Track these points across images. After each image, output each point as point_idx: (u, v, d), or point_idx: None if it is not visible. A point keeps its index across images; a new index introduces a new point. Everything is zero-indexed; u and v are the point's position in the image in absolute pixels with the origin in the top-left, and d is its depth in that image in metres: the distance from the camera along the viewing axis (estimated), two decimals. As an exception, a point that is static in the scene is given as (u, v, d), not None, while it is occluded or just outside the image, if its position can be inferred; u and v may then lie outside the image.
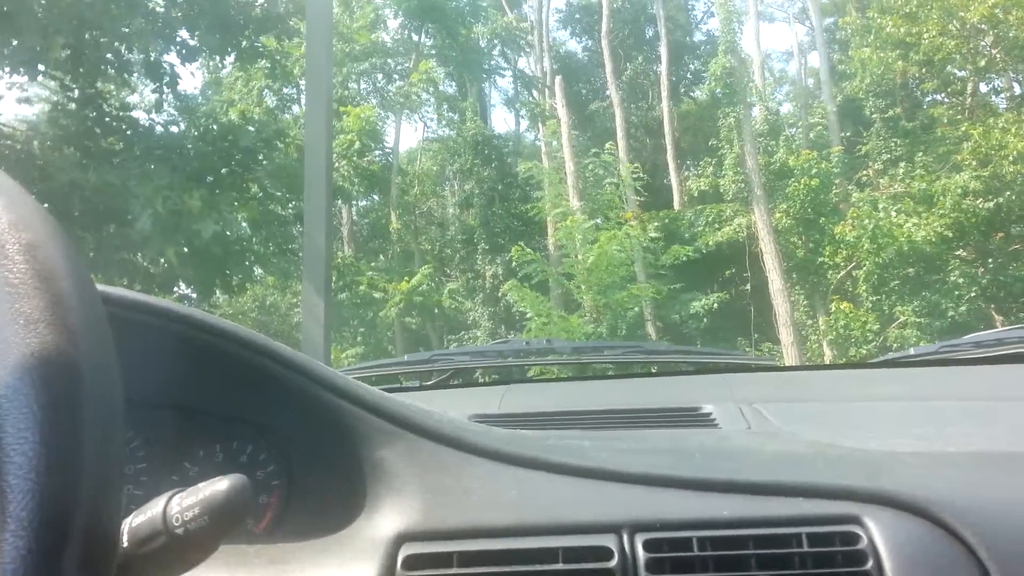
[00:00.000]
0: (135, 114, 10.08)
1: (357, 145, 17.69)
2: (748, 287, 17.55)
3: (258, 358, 0.71)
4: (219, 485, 0.51)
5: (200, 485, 0.52)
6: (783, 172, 17.37)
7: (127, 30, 8.46)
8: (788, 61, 27.03)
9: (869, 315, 14.91)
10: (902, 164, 16.54)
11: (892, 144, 17.27)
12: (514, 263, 14.00)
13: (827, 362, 14.81)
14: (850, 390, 1.40)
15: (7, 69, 8.30)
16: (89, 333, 0.41)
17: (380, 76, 21.99)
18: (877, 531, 0.62)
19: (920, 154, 16.18)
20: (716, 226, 18.07)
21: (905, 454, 0.75)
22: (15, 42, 7.73)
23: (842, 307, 15.01)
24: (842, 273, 16.07)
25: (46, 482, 0.36)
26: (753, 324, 16.87)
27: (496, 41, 23.26)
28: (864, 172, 17.58)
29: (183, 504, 0.51)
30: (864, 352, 14.06)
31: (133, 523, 0.51)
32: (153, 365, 0.65)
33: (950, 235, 14.41)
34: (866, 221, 14.85)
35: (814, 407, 1.18)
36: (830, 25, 21.56)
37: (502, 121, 44.94)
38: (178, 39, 9.26)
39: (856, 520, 0.63)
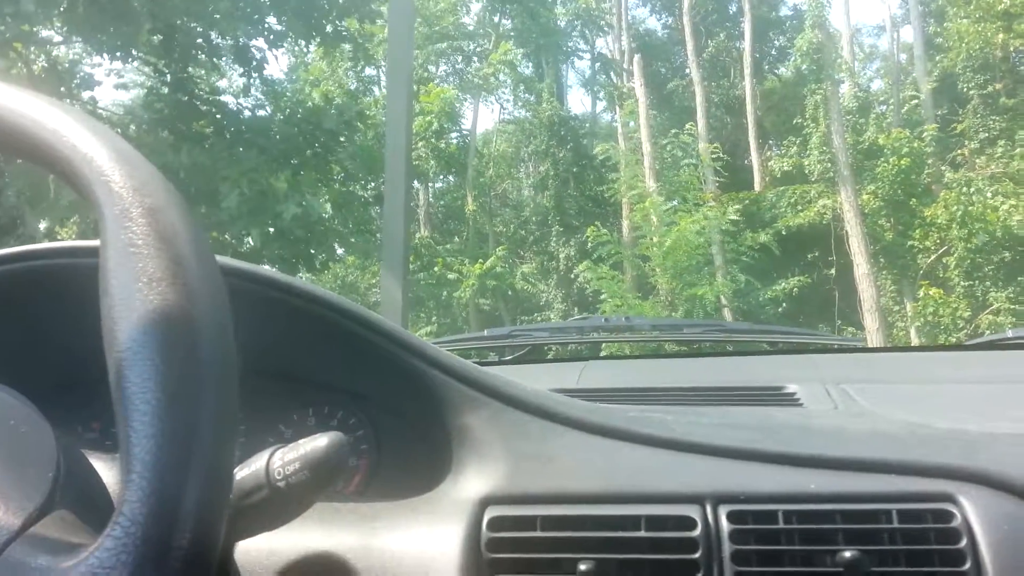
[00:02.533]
0: (224, 98, 10.44)
1: (435, 126, 17.86)
2: (832, 271, 16.99)
3: (352, 325, 0.73)
4: (319, 441, 0.54)
5: (301, 441, 0.54)
6: (872, 152, 16.70)
7: (216, 16, 8.74)
8: (879, 35, 25.86)
9: (960, 301, 14.27)
10: (1001, 143, 15.69)
11: (990, 122, 16.39)
12: (590, 244, 13.93)
13: (915, 349, 14.22)
14: (943, 372, 1.35)
15: (105, 55, 8.71)
16: (206, 291, 0.43)
17: (459, 58, 22.11)
18: (972, 510, 0.60)
19: (1021, 132, 15.31)
20: (799, 208, 17.54)
21: (1003, 435, 0.72)
22: (112, 29, 8.09)
23: (931, 293, 14.40)
24: (932, 258, 15.39)
25: (168, 429, 0.39)
26: (837, 309, 16.35)
27: (576, 22, 23.05)
28: (960, 152, 16.75)
29: (285, 459, 0.53)
30: (954, 340, 13.47)
31: (238, 476, 0.54)
32: (254, 331, 0.68)
33: (1050, 217, 13.66)
34: (954, 208, 14.17)
35: (905, 389, 1.15)
36: (925, -4, 20.53)
37: (578, 102, 44.61)
38: (265, 24, 9.53)
39: (950, 498, 0.61)
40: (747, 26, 20.43)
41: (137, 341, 0.40)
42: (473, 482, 0.68)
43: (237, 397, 0.44)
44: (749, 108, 19.78)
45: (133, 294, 0.41)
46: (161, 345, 0.40)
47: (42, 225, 8.32)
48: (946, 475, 0.63)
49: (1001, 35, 15.78)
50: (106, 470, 0.53)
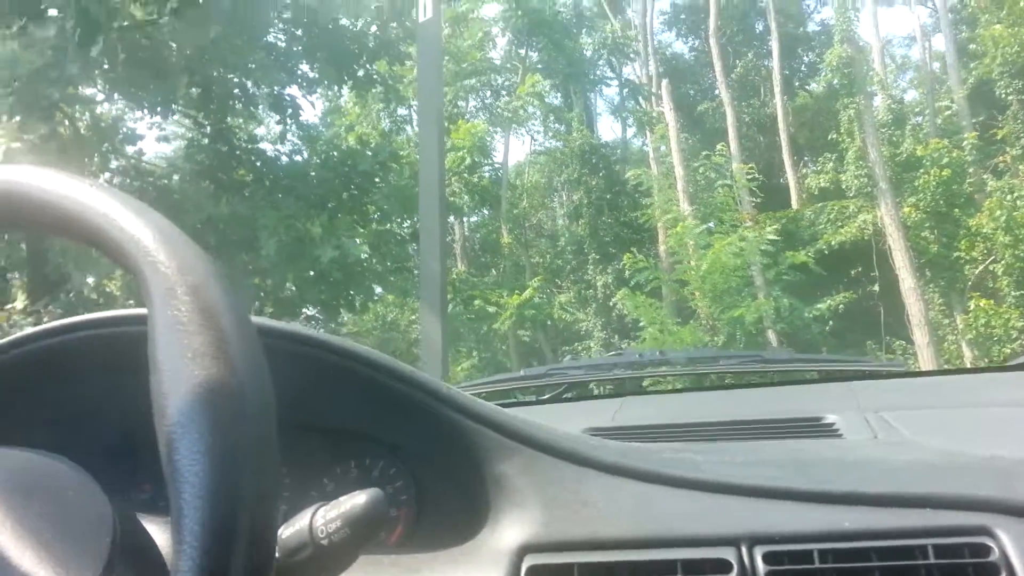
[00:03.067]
0: (262, 146, 10.68)
1: (468, 161, 18.03)
2: (876, 287, 16.64)
3: (386, 379, 0.75)
4: (358, 499, 0.55)
5: (341, 499, 0.56)
6: (911, 163, 16.43)
7: (252, 66, 9.00)
8: (911, 46, 25.56)
9: (1012, 311, 13.86)
10: (1044, 148, 15.35)
11: (1031, 127, 16.04)
12: (626, 271, 13.86)
13: (968, 363, 13.85)
14: (986, 395, 1.32)
15: (145, 110, 9.00)
16: (248, 364, 0.46)
17: (488, 92, 22.36)
18: (1010, 543, 0.59)
19: (1063, 135, 14.97)
20: (839, 224, 17.27)
21: None
22: (152, 85, 8.37)
23: (982, 304, 14.02)
24: (980, 268, 15.01)
25: (216, 500, 0.41)
26: (884, 325, 15.98)
27: (602, 51, 23.21)
28: (1001, 159, 16.38)
29: (327, 517, 0.55)
30: (1008, 351, 13.08)
31: (283, 535, 0.56)
32: (294, 389, 0.71)
33: (1101, 222, 13.25)
34: (997, 212, 13.83)
35: (946, 414, 1.13)
36: (955, 4, 20.26)
37: (608, 129, 44.65)
38: (299, 72, 9.78)
39: (987, 531, 0.61)
40: (775, 44, 20.36)
41: (186, 415, 0.43)
42: (510, 531, 0.69)
43: (279, 465, 0.46)
44: (781, 125, 19.63)
45: (180, 369, 0.44)
46: (208, 419, 0.43)
47: (90, 280, 8.55)
48: (982, 507, 0.62)
49: (1036, 38, 15.50)
50: (159, 532, 0.55)
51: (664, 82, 19.99)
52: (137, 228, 0.50)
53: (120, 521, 0.50)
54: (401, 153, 12.05)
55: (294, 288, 9.01)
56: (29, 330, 0.75)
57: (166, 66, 8.19)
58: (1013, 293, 14.16)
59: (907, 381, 1.55)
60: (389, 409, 0.79)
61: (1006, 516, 0.62)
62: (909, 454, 0.86)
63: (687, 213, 15.10)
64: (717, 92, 21.45)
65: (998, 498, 0.63)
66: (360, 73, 10.09)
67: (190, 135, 10.14)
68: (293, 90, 9.91)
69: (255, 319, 0.72)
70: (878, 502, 0.65)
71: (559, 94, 22.70)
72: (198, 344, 0.45)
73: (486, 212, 22.18)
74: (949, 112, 18.86)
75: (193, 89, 8.77)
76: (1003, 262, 14.22)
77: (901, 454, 0.87)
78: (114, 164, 9.54)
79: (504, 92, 22.06)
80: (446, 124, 15.47)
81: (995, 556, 0.59)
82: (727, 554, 0.63)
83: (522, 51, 22.15)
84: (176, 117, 9.96)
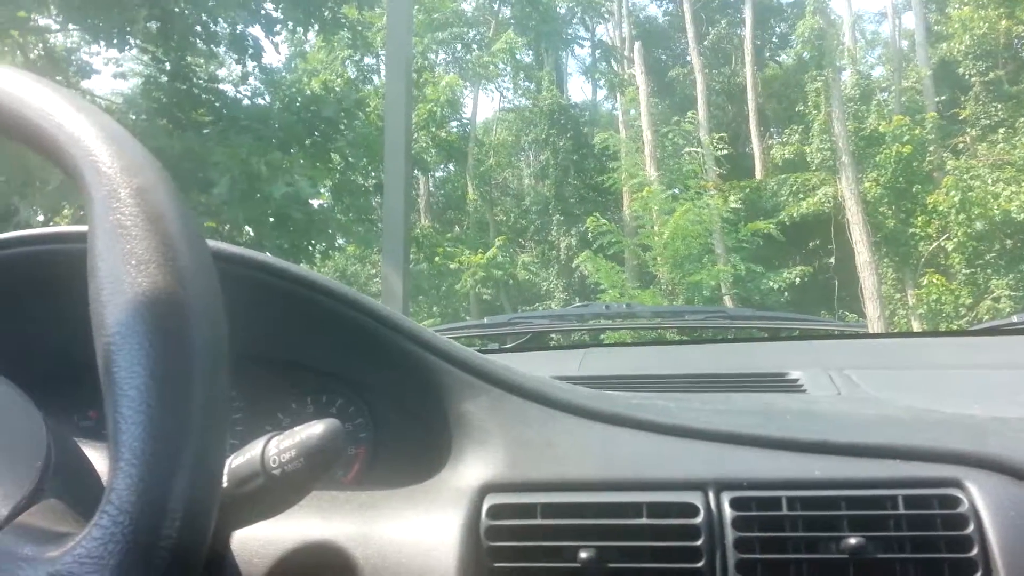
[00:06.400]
0: (222, 87, 10.36)
1: (438, 115, 17.80)
2: (833, 260, 16.96)
3: (350, 312, 0.72)
4: (314, 429, 0.53)
5: (296, 429, 0.53)
6: (873, 139, 16.65)
7: (212, 3, 8.68)
8: (881, 22, 25.73)
9: (962, 288, 14.26)
10: (1002, 130, 15.64)
11: (992, 109, 16.33)
12: (590, 234, 13.93)
13: (917, 336, 14.21)
14: (948, 358, 1.33)
15: (101, 43, 8.65)
16: (196, 273, 0.42)
17: (459, 46, 22.03)
18: (980, 495, 0.59)
19: (1023, 119, 15.27)
20: (800, 196, 17.50)
21: (1012, 419, 0.71)
22: (108, 15, 8.03)
23: (934, 280, 14.39)
24: (934, 245, 15.37)
25: (157, 415, 0.38)
26: (837, 298, 16.33)
27: (576, 9, 22.94)
28: (961, 138, 16.68)
29: (280, 447, 0.52)
30: (956, 328, 13.48)
31: (233, 464, 0.53)
32: (249, 318, 0.67)
33: (1051, 204, 13.64)
34: (951, 193, 14.15)
35: (910, 374, 1.14)
36: (927, -17, 20.41)
37: (579, 90, 44.41)
38: (262, 11, 9.46)
39: (957, 484, 0.60)
40: (748, 12, 20.33)
41: (126, 325, 0.39)
42: (472, 469, 0.67)
43: (229, 382, 0.43)
44: (750, 95, 19.71)
45: (121, 276, 0.40)
46: (150, 328, 0.39)
47: (40, 217, 8.27)
48: (954, 460, 0.62)
49: (1004, 21, 15.71)
50: (100, 459, 0.52)
51: (636, 45, 19.87)
52: (78, 124, 0.45)
53: (56, 444, 0.46)
54: (368, 102, 11.81)
55: (252, 233, 8.81)
56: None
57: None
58: (964, 271, 14.55)
59: (869, 342, 1.56)
60: (351, 343, 0.76)
61: (977, 469, 0.61)
62: (876, 408, 0.85)
63: (653, 178, 15.16)
64: (689, 58, 21.40)
65: (969, 451, 0.62)
66: (327, 16, 9.80)
67: (148, 72, 9.79)
68: (256, 30, 9.59)
69: (215, 243, 0.68)
70: (848, 452, 0.64)
71: (530, 51, 22.44)
72: (142, 250, 0.41)
73: (452, 167, 22.01)
74: (914, 91, 19.09)
75: (152, 23, 8.43)
76: (955, 240, 14.57)
77: (868, 408, 0.86)
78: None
79: (475, 46, 21.75)
80: (414, 76, 15.19)
81: (964, 508, 0.59)
82: (694, 498, 0.62)
83: (494, 5, 21.80)
84: (134, 52, 9.60)
